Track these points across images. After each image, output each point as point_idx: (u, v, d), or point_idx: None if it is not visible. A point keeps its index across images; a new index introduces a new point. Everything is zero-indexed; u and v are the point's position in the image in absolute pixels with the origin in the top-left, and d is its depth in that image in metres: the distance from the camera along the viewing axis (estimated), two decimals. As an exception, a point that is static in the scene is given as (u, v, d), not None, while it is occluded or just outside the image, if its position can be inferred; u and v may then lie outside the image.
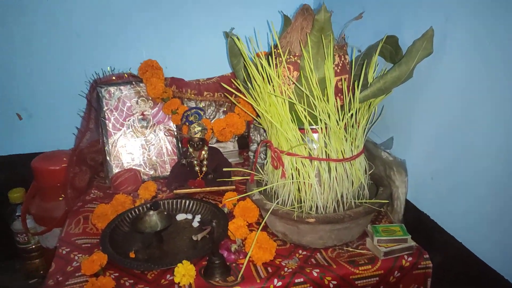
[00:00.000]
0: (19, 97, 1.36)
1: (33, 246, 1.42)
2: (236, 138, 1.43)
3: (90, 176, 1.27)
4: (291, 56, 0.86)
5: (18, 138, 1.39)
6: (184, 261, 0.84)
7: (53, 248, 1.31)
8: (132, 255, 0.93)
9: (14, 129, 1.38)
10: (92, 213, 1.06)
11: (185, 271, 0.82)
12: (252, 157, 1.37)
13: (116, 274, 0.86)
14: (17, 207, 1.37)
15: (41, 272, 1.48)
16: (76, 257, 0.93)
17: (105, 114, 1.28)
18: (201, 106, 1.34)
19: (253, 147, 1.36)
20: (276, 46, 0.88)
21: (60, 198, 1.23)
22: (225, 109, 1.38)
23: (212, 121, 1.30)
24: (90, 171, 1.28)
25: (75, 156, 1.20)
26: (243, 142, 1.45)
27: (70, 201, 1.14)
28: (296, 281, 0.83)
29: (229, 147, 1.42)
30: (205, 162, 1.19)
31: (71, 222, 1.07)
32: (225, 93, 1.23)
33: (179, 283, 0.82)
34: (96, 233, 1.02)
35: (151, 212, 0.98)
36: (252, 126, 1.36)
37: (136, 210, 1.07)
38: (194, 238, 0.96)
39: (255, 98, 0.93)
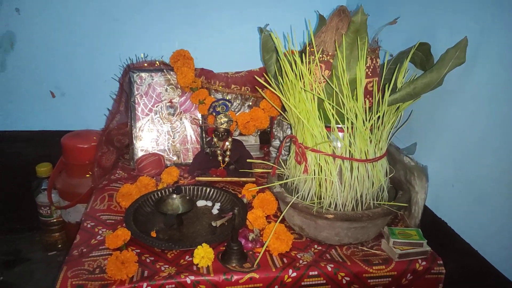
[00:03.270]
0: (54, 75, 1.41)
1: (55, 220, 1.48)
2: (259, 133, 1.46)
3: (116, 157, 1.32)
4: (323, 55, 0.88)
5: (50, 115, 1.45)
6: (203, 244, 0.87)
7: (74, 223, 1.37)
8: (153, 234, 0.96)
9: (47, 106, 1.44)
10: (117, 192, 1.10)
11: (204, 253, 0.85)
12: (273, 152, 1.39)
13: (138, 251, 0.89)
14: (43, 181, 1.43)
15: (60, 245, 1.53)
16: (100, 232, 0.97)
17: (135, 98, 1.32)
18: (227, 98, 1.37)
19: (275, 142, 1.39)
20: (310, 44, 0.90)
21: (87, 175, 1.28)
22: (250, 103, 1.41)
23: (237, 114, 1.33)
24: (116, 152, 1.32)
25: (105, 136, 1.25)
26: (265, 137, 1.48)
27: (96, 179, 1.18)
28: (311, 273, 0.85)
29: (250, 141, 1.45)
30: (228, 153, 1.22)
31: (96, 198, 1.11)
32: (256, 87, 1.26)
33: (197, 264, 0.85)
34: (119, 211, 1.06)
35: (174, 196, 1.02)
36: (275, 122, 1.38)
37: (159, 192, 1.11)
38: (214, 224, 0.99)
39: (285, 93, 0.95)
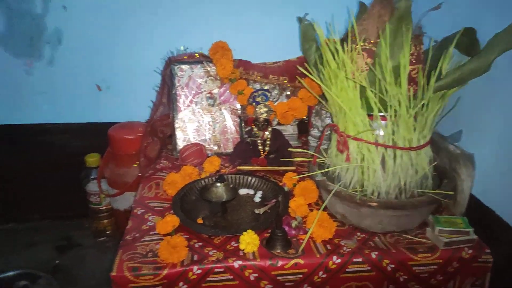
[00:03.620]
0: (100, 69, 1.48)
1: (104, 207, 1.56)
2: (296, 122, 1.47)
3: (160, 147, 1.37)
4: (366, 43, 0.88)
5: (97, 108, 1.52)
6: (249, 230, 0.90)
7: (123, 210, 1.44)
8: (199, 221, 1.00)
9: (93, 100, 1.51)
10: (163, 181, 1.15)
11: (250, 240, 0.88)
12: (311, 141, 1.40)
13: (186, 236, 0.93)
14: (92, 171, 1.51)
15: (108, 232, 1.62)
16: (150, 218, 1.02)
17: (177, 90, 1.36)
18: (265, 88, 1.39)
19: (313, 131, 1.39)
20: (352, 32, 0.90)
21: (134, 165, 1.34)
22: (288, 93, 1.42)
23: (275, 104, 1.35)
24: (160, 143, 1.37)
25: (149, 127, 1.30)
26: (303, 126, 1.49)
27: (143, 168, 1.24)
28: (355, 260, 0.87)
29: (288, 130, 1.46)
30: (268, 142, 1.24)
31: (144, 186, 1.17)
32: (296, 76, 1.27)
33: (243, 249, 0.88)
34: (166, 198, 1.11)
35: (218, 184, 1.05)
36: (313, 111, 1.39)
37: (203, 181, 1.15)
38: (257, 211, 1.02)
39: (325, 82, 0.96)
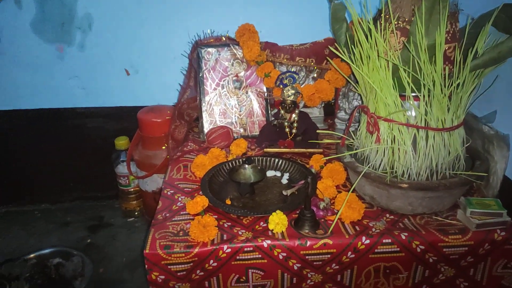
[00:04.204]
0: (128, 54, 1.50)
1: (132, 189, 1.61)
2: (323, 105, 1.45)
3: (187, 130, 1.39)
4: (399, 22, 0.86)
5: (126, 91, 1.55)
6: (278, 211, 0.91)
7: (151, 192, 1.48)
8: (228, 202, 1.02)
9: (122, 83, 1.54)
10: (191, 163, 1.17)
11: (279, 220, 0.89)
12: (338, 124, 1.39)
13: (215, 216, 0.95)
14: (122, 153, 1.55)
15: (137, 212, 1.66)
16: (180, 199, 1.04)
17: (203, 73, 1.37)
18: (292, 70, 1.38)
19: (340, 114, 1.38)
20: (386, 11, 0.88)
21: (162, 147, 1.36)
22: (315, 75, 1.41)
23: (302, 86, 1.34)
24: (187, 126, 1.39)
25: (177, 110, 1.32)
26: (329, 109, 1.47)
27: (171, 151, 1.26)
28: (384, 241, 0.87)
29: (315, 113, 1.45)
30: (295, 125, 1.24)
31: (172, 168, 1.19)
32: (327, 57, 1.25)
33: (272, 230, 0.90)
34: (195, 180, 1.13)
35: (246, 166, 1.07)
36: (340, 93, 1.38)
37: (231, 163, 1.16)
38: (284, 193, 1.03)
39: (356, 62, 0.94)
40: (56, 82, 1.53)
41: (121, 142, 1.53)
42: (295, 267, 0.88)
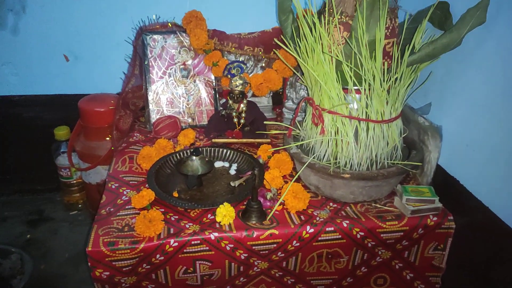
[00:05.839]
0: (67, 39, 1.41)
1: (75, 181, 1.54)
2: (271, 94, 1.47)
3: (132, 120, 1.34)
4: (342, 16, 0.88)
5: (65, 79, 1.46)
6: (225, 203, 0.91)
7: (95, 184, 1.42)
8: (175, 194, 1.01)
9: (62, 70, 1.45)
10: (137, 154, 1.13)
11: (226, 212, 0.90)
12: (286, 113, 1.41)
13: (162, 210, 0.94)
14: (62, 144, 1.47)
15: (80, 205, 1.60)
16: (125, 192, 1.01)
17: (149, 61, 1.32)
18: (240, 59, 1.37)
19: (288, 103, 1.40)
20: (329, 5, 0.89)
21: (106, 138, 1.31)
22: (263, 64, 1.41)
23: (250, 75, 1.33)
24: (132, 115, 1.34)
25: (121, 99, 1.27)
26: (277, 98, 1.49)
27: (116, 142, 1.22)
28: (327, 229, 0.90)
29: (263, 102, 1.46)
30: (243, 115, 1.24)
31: (117, 160, 1.15)
32: (274, 49, 1.25)
33: (220, 222, 0.90)
34: (141, 172, 1.10)
35: (193, 157, 1.05)
36: (288, 83, 1.39)
37: (178, 154, 1.14)
38: (232, 184, 1.03)
39: (302, 55, 0.95)
40: (-13, 67, 1.42)
41: (61, 132, 1.45)
42: (242, 257, 0.89)
